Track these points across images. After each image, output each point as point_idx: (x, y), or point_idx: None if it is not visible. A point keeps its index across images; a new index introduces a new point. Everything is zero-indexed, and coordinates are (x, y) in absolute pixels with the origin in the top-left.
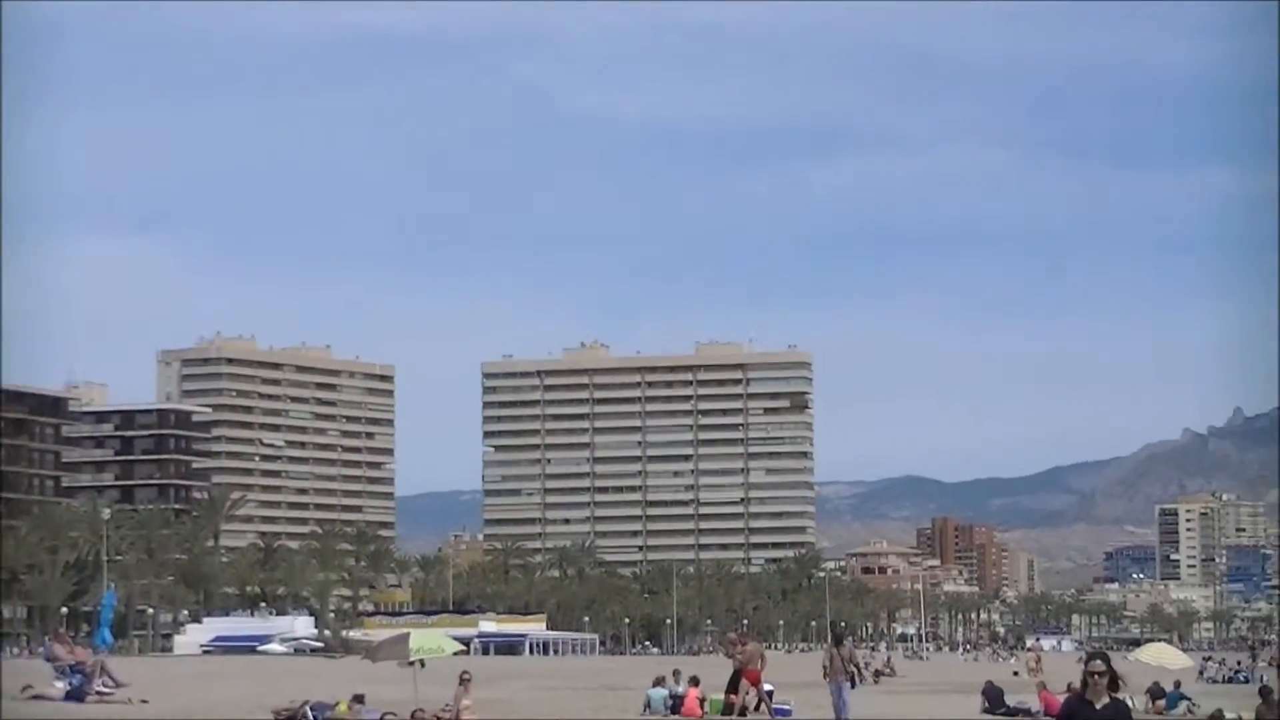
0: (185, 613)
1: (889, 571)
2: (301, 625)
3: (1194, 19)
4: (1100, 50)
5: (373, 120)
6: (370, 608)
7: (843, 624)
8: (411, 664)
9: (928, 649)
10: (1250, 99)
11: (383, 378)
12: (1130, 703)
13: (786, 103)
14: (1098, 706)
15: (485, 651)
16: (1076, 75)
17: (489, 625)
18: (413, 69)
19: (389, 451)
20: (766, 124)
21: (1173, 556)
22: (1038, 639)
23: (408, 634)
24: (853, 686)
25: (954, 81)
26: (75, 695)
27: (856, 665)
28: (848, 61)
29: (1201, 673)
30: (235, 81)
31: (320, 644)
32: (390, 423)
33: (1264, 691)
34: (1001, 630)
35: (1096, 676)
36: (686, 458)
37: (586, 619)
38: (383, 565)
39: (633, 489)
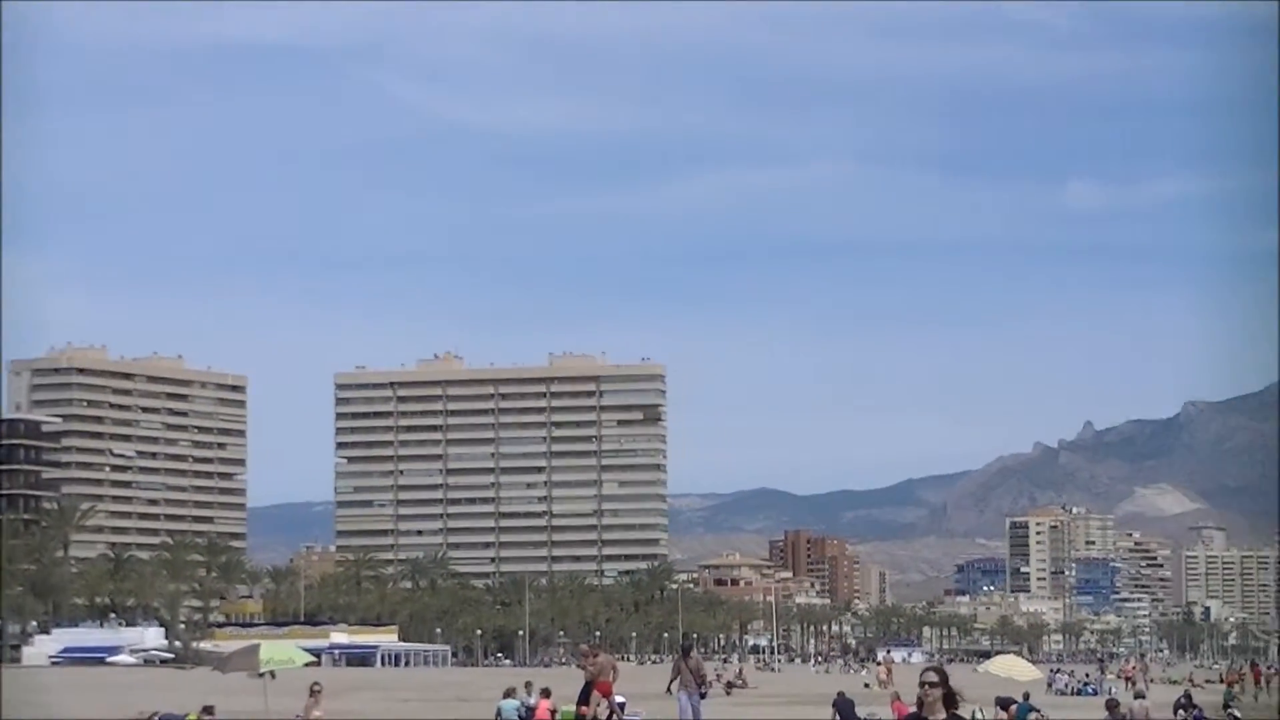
0: (34, 624)
1: (741, 583)
2: (152, 636)
3: (1053, 34)
4: (958, 64)
5: (225, 130)
6: (221, 619)
7: (691, 635)
8: (262, 675)
9: (779, 661)
10: (1110, 111)
11: (235, 388)
12: (980, 714)
13: (642, 115)
14: None
15: (337, 663)
16: (933, 89)
17: (341, 637)
18: (265, 80)
19: (241, 462)
20: (623, 136)
21: (1023, 569)
22: (889, 651)
23: (258, 645)
24: (702, 697)
25: (810, 95)
26: None
27: (703, 676)
28: (703, 75)
29: (1050, 685)
30: (86, 91)
31: (170, 655)
32: (242, 433)
33: (1110, 704)
34: (853, 642)
35: (928, 688)
36: (540, 469)
37: (439, 630)
38: (234, 576)
39: (486, 500)
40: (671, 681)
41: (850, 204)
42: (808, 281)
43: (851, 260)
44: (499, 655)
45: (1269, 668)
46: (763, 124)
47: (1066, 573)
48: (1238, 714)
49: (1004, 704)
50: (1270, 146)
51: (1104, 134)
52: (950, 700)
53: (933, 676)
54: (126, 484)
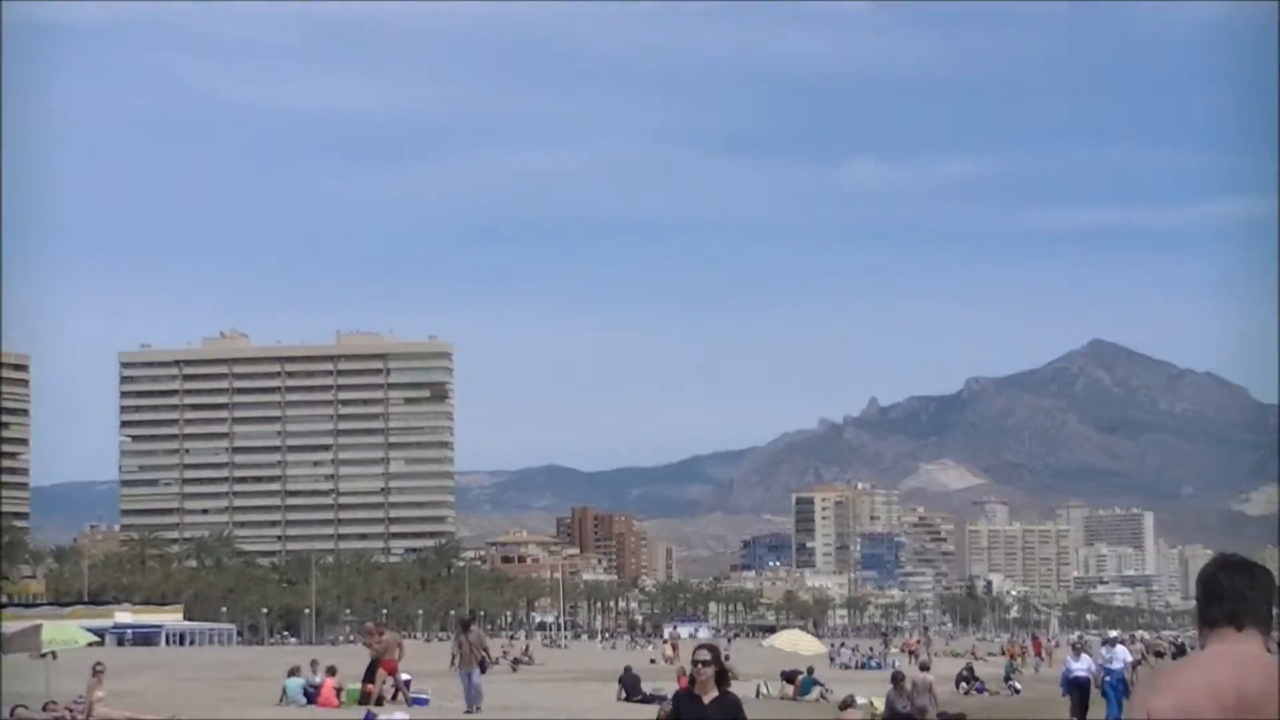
0: None
1: (528, 561)
2: None
3: (836, 16)
4: (741, 45)
5: (10, 107)
6: (3, 599)
7: (472, 611)
8: (44, 656)
9: (567, 637)
10: (891, 92)
11: (17, 366)
12: (765, 688)
13: (429, 95)
14: (705, 701)
15: (121, 643)
16: (714, 69)
17: (125, 616)
18: (45, 57)
19: (24, 441)
20: (411, 115)
21: (808, 544)
22: (675, 627)
23: (40, 626)
24: (482, 672)
25: (596, 76)
26: None
27: (485, 651)
28: (490, 55)
29: (833, 659)
30: None
31: None
32: (25, 412)
33: (896, 677)
34: (640, 618)
35: (700, 666)
36: (326, 447)
37: (224, 609)
38: (16, 556)
39: (272, 479)
40: (454, 657)
41: (636, 183)
42: (595, 260)
43: (638, 239)
44: (285, 634)
45: (1050, 640)
46: (549, 104)
47: (851, 548)
48: (1019, 686)
49: (789, 677)
50: (1049, 129)
51: (886, 114)
52: (722, 677)
53: (705, 655)
54: None
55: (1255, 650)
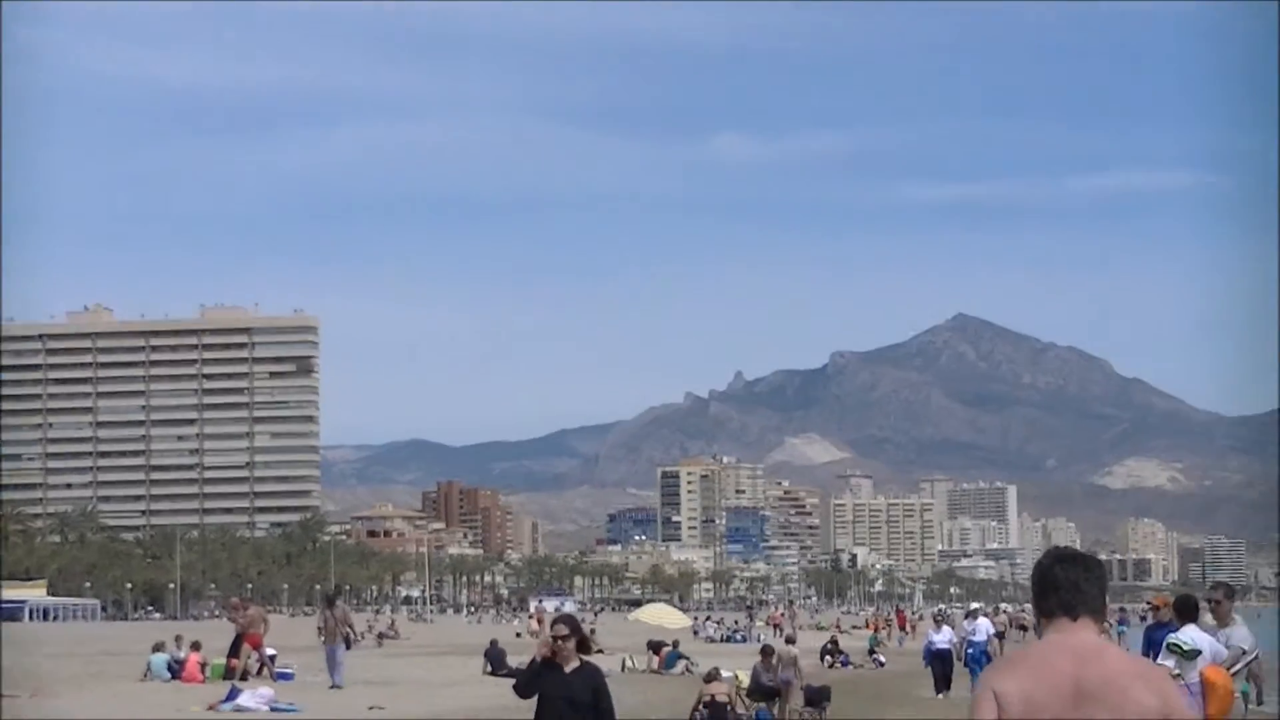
0: None
1: (394, 535)
2: None
3: None
4: (601, 20)
5: None
6: None
7: (338, 586)
8: None
9: (432, 612)
10: (759, 66)
11: None
12: (631, 661)
13: (299, 68)
14: (566, 670)
15: None
16: (580, 44)
17: None
18: None
19: None
20: (280, 88)
21: (674, 518)
22: (540, 601)
23: None
24: (347, 647)
25: (467, 50)
26: None
27: (350, 626)
28: (357, 30)
29: (696, 633)
30: None
31: None
32: None
33: (765, 650)
34: (505, 592)
35: (560, 640)
36: (191, 422)
37: (88, 585)
38: None
39: (136, 453)
40: (319, 631)
41: (504, 159)
42: (462, 235)
43: (505, 214)
44: (149, 609)
45: (914, 613)
46: (416, 79)
47: (717, 521)
48: (883, 659)
49: (656, 647)
50: (914, 104)
51: (753, 89)
52: (584, 646)
53: (563, 629)
54: None
55: (1091, 638)
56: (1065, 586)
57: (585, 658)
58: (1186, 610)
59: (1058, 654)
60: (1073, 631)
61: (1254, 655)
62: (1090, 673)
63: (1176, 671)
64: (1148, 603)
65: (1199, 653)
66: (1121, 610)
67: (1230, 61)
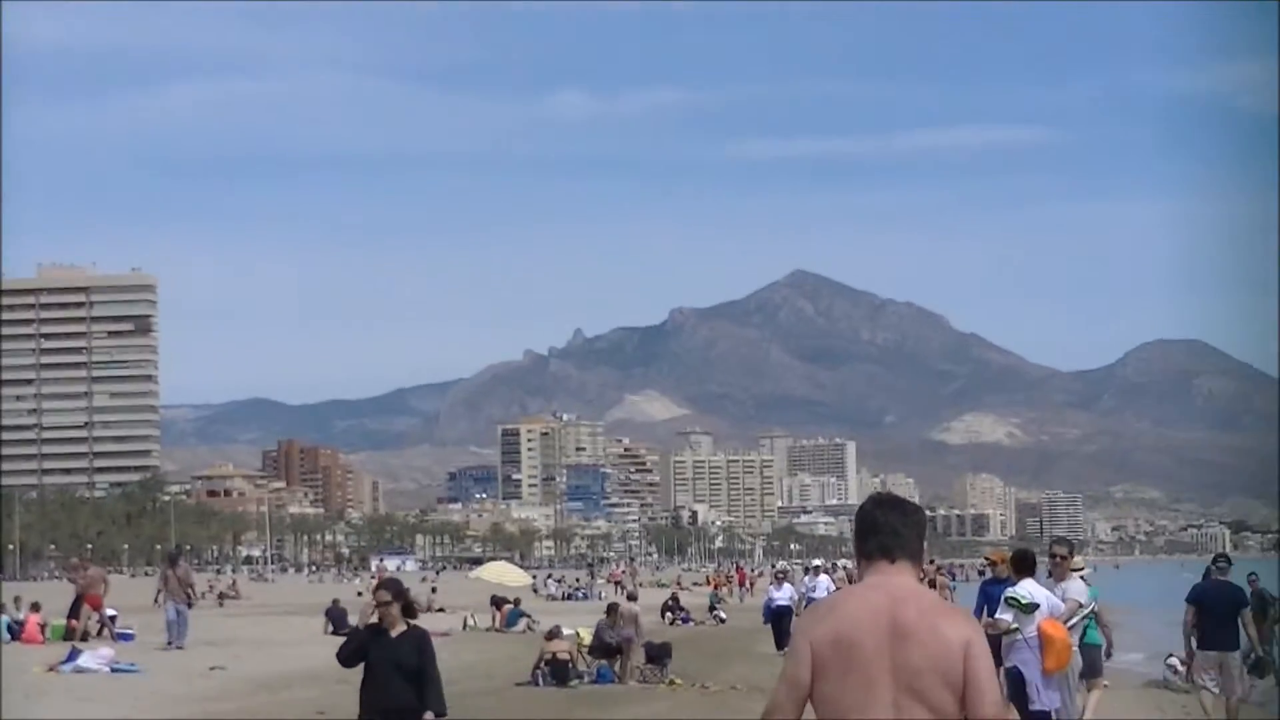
0: None
1: (234, 494)
2: None
3: None
4: None
5: None
6: None
7: (179, 545)
8: None
9: (273, 571)
10: (601, 22)
11: None
12: (472, 619)
13: (129, 27)
14: (393, 635)
15: None
16: (411, 2)
17: None
18: None
19: None
20: (110, 48)
21: (514, 476)
22: (382, 559)
23: None
24: (189, 607)
25: (296, 7)
26: None
27: (191, 586)
28: None
29: (536, 590)
30: None
31: None
32: None
33: (611, 608)
34: (346, 551)
35: (385, 606)
36: (29, 382)
37: None
38: None
39: None
40: (159, 592)
41: (340, 116)
42: (300, 192)
43: (342, 171)
44: None
45: (754, 570)
46: (250, 36)
47: (557, 479)
48: (723, 615)
49: (498, 603)
50: (750, 61)
51: (590, 46)
52: (409, 610)
53: (386, 595)
54: None
55: (908, 580)
56: (884, 530)
57: (411, 621)
58: (1024, 565)
59: (876, 593)
60: (891, 574)
61: (1090, 609)
62: (906, 611)
63: (1015, 625)
64: (985, 558)
65: (1036, 606)
66: (952, 565)
67: (1062, 16)
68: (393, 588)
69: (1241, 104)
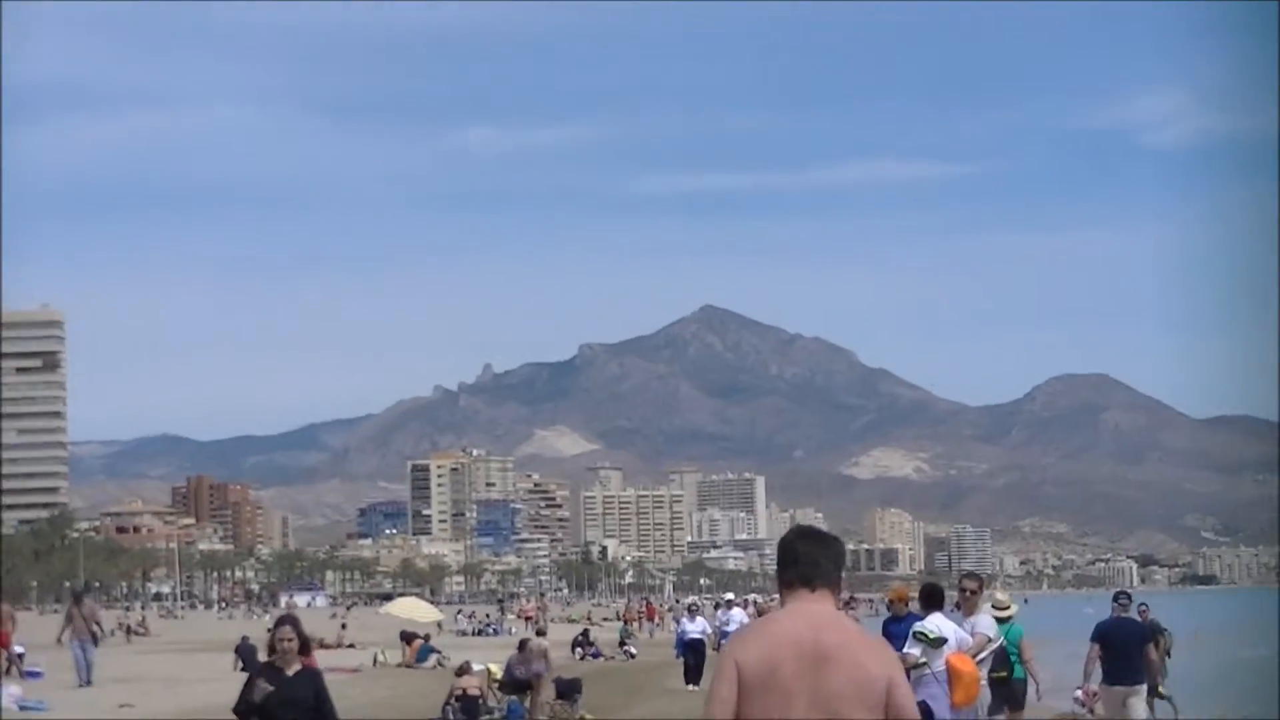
0: None
1: (144, 530)
2: None
3: None
4: (344, 9)
5: None
6: None
7: (87, 582)
8: None
9: (183, 608)
10: (510, 57)
11: None
12: (382, 655)
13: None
14: (288, 673)
15: None
16: (325, 33)
17: None
18: None
19: None
20: (21, 80)
21: (424, 511)
22: (291, 595)
23: None
24: (95, 644)
25: (210, 40)
26: None
27: (98, 623)
28: (106, 20)
29: (440, 626)
30: None
31: None
32: None
33: (523, 643)
34: (256, 587)
35: (286, 643)
36: None
37: None
38: None
39: None
40: (64, 629)
41: (250, 149)
42: (209, 226)
43: (253, 205)
44: None
45: (663, 605)
46: (162, 68)
47: (467, 514)
48: (633, 650)
49: (408, 639)
50: (658, 94)
51: (499, 80)
52: (304, 649)
53: (289, 632)
54: None
55: (827, 608)
56: (804, 560)
57: (305, 660)
58: (932, 599)
59: (797, 620)
60: (811, 601)
61: (998, 643)
62: (829, 638)
63: (923, 660)
64: (887, 600)
65: (945, 640)
66: (853, 596)
67: (960, 51)
68: (293, 624)
69: (1148, 139)
